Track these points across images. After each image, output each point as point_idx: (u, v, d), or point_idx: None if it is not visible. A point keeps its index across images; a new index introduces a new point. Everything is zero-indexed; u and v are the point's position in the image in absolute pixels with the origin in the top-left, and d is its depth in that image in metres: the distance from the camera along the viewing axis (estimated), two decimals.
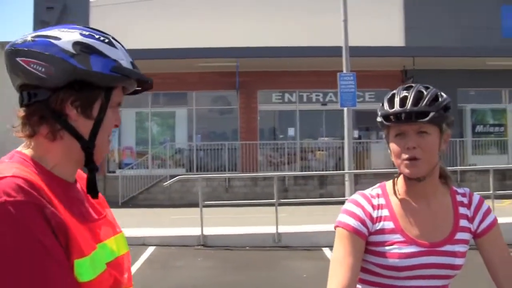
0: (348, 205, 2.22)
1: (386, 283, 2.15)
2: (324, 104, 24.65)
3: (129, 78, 1.63)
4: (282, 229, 11.75)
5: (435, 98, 2.10)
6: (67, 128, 1.56)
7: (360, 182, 21.07)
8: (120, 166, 24.10)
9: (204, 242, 11.78)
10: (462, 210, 2.23)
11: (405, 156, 2.11)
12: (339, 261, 2.10)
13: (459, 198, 2.26)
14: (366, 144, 24.08)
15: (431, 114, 2.06)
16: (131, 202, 21.97)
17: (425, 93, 2.11)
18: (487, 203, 2.29)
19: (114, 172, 23.71)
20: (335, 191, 21.26)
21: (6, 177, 1.41)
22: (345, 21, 13.23)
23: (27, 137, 1.57)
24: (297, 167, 23.54)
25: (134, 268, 9.83)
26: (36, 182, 1.44)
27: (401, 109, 2.09)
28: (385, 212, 2.19)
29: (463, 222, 2.21)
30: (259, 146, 23.92)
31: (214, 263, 10.31)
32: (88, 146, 1.60)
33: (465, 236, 2.19)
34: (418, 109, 2.07)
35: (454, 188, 2.29)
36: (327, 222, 12.92)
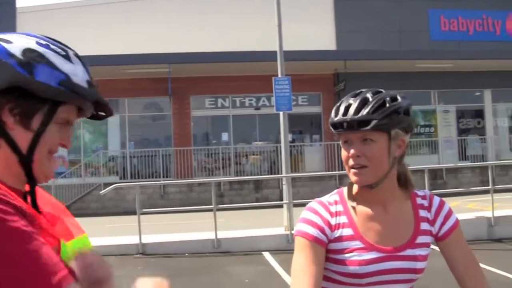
0: (305, 213, 2.19)
1: None
2: (257, 108, 24.76)
3: (79, 97, 1.55)
4: (221, 234, 11.73)
5: (381, 105, 2.08)
6: (4, 136, 1.49)
7: (295, 185, 21.27)
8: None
9: (143, 251, 11.65)
10: (422, 213, 2.22)
11: (351, 163, 2.12)
12: (301, 270, 2.07)
13: (419, 200, 2.25)
14: (300, 148, 24.33)
15: (373, 122, 2.05)
16: None
17: (370, 100, 2.10)
18: None
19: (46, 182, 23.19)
20: (270, 195, 21.39)
21: None
22: (279, 25, 13.27)
23: None
24: (231, 171, 23.56)
25: None
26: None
27: (343, 118, 2.10)
28: (343, 219, 2.17)
29: (424, 225, 2.20)
30: (193, 151, 23.84)
31: (155, 271, 10.19)
32: (25, 160, 1.52)
33: (426, 239, 2.19)
34: (359, 118, 2.06)
35: (415, 191, 2.28)
36: (266, 226, 13.01)
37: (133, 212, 12.19)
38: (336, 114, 2.13)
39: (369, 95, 2.12)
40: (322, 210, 2.18)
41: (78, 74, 1.56)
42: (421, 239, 2.17)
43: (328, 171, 22.85)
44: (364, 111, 2.07)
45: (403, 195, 2.24)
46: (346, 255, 2.11)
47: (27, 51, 1.50)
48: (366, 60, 22.52)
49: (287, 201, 12.46)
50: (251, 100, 24.61)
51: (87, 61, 1.65)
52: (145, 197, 21.60)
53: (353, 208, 2.19)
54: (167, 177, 23.20)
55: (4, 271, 1.28)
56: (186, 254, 11.39)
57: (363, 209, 2.18)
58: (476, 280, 2.17)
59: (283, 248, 11.10)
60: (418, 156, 24.34)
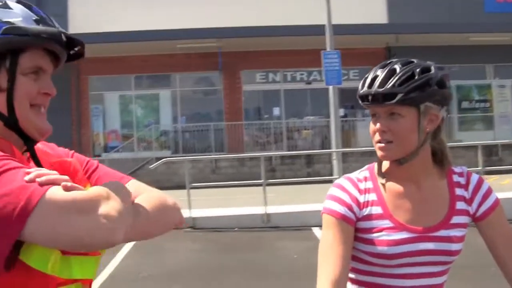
0: (333, 190, 2.10)
1: (377, 271, 2.05)
2: (308, 83, 24.56)
3: (29, 37, 1.47)
4: (271, 209, 11.70)
5: (409, 77, 1.96)
6: None
7: (347, 161, 21.08)
8: (106, 149, 23.96)
9: (193, 225, 11.72)
10: (458, 191, 2.10)
11: (377, 138, 2.02)
12: (328, 249, 1.99)
13: (455, 178, 2.13)
14: (352, 122, 24.04)
15: (399, 95, 1.93)
16: None
17: (398, 71, 1.98)
18: None
19: (99, 155, 23.53)
20: (322, 170, 21.24)
21: None
22: None
23: None
24: (283, 146, 23.48)
25: (122, 254, 9.76)
26: None
27: (368, 90, 2.00)
28: (372, 197, 2.07)
29: (460, 205, 2.08)
30: (244, 126, 23.82)
31: (204, 245, 10.26)
32: (8, 120, 1.49)
33: (463, 219, 2.07)
34: (384, 91, 1.95)
35: (452, 167, 2.16)
36: (316, 201, 12.95)
37: (184, 186, 12.27)
38: (363, 86, 2.03)
39: (397, 66, 2.00)
40: (350, 187, 2.10)
41: (19, 16, 1.49)
42: (456, 219, 2.06)
43: None
44: (390, 84, 1.96)
45: (438, 172, 2.12)
46: (375, 234, 2.02)
47: None
48: (418, 34, 21.99)
49: (337, 176, 12.35)
50: (302, 74, 24.40)
51: (30, 4, 1.56)
52: (196, 171, 21.74)
53: (383, 185, 2.09)
54: (219, 151, 23.26)
55: None
56: (236, 229, 11.40)
57: (393, 186, 2.08)
58: None
59: None
60: (473, 132, 23.84)
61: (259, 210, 11.77)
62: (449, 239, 2.01)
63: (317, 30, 16.66)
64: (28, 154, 1.58)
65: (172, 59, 23.59)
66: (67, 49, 1.61)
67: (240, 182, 15.84)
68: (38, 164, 1.55)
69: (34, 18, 1.51)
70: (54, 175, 1.34)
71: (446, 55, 23.06)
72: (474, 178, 2.14)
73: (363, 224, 2.04)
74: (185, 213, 11.88)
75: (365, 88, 2.01)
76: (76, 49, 1.63)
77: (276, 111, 24.69)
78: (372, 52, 23.35)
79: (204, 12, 22.99)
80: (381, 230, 2.01)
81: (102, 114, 24.36)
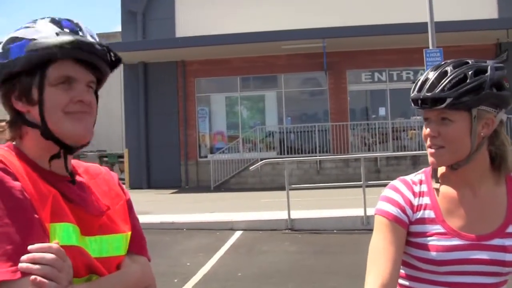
0: (387, 192, 2.05)
1: (426, 277, 1.98)
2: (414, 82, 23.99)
3: (51, 49, 1.55)
4: (371, 211, 11.50)
5: (460, 80, 1.88)
6: (22, 121, 1.62)
7: None
8: (212, 151, 24.33)
9: (292, 226, 11.73)
10: None
11: (428, 143, 1.97)
12: (379, 251, 1.94)
13: None
14: None
15: (448, 100, 1.86)
16: (223, 187, 22.15)
17: (449, 73, 1.90)
18: None
19: (206, 157, 23.97)
20: None
21: None
22: None
23: (12, 140, 1.65)
24: (389, 147, 23.06)
25: (220, 253, 9.92)
26: (4, 156, 1.53)
27: (417, 94, 1.94)
28: (426, 200, 2.00)
29: None
30: (350, 126, 23.56)
31: (301, 247, 10.22)
32: (43, 129, 1.59)
33: None
34: (433, 95, 1.89)
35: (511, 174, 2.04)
36: None
37: (292, 188, 12.29)
38: (414, 89, 1.97)
39: (449, 68, 1.93)
40: (404, 189, 2.04)
41: (41, 31, 1.58)
42: None
43: None
44: (439, 88, 1.89)
45: (496, 178, 2.01)
46: (425, 239, 1.95)
47: (6, 42, 1.60)
48: None
49: None
50: (408, 73, 23.82)
51: (59, 19, 1.65)
52: (301, 172, 21.76)
53: (437, 189, 2.01)
54: (324, 152, 23.12)
55: None
56: (334, 231, 11.30)
57: (448, 191, 2.00)
58: None
59: None
60: None
61: (359, 212, 11.61)
62: (503, 249, 1.91)
63: (421, 27, 16.25)
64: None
65: (277, 60, 23.69)
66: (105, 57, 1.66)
67: (340, 184, 15.70)
68: (67, 169, 1.65)
69: (56, 32, 1.58)
70: (46, 263, 1.39)
71: None
72: None
73: (415, 228, 1.98)
74: (284, 214, 11.91)
75: (415, 92, 1.96)
76: (113, 57, 1.67)
77: (382, 111, 24.27)
78: (481, 48, 22.52)
79: (307, 12, 22.98)
80: (432, 235, 1.95)
81: (208, 115, 24.77)
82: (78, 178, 1.69)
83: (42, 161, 1.61)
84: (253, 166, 13.49)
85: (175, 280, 8.12)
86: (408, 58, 21.94)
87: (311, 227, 11.56)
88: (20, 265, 1.37)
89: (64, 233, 1.51)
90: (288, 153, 22.93)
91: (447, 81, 1.88)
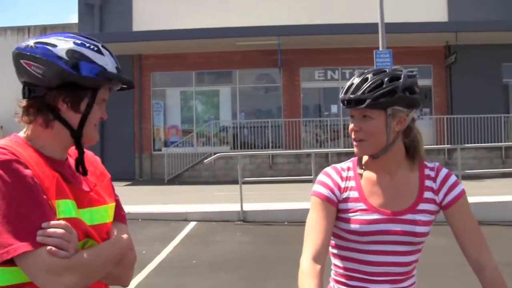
0: (320, 176, 2.48)
1: (352, 246, 2.39)
2: None
3: (112, 82, 2.00)
4: None
5: (378, 85, 2.30)
6: (59, 119, 1.97)
7: None
8: (166, 144, 24.53)
9: (244, 218, 12.10)
10: (428, 182, 2.42)
11: (353, 136, 2.39)
12: (312, 225, 2.35)
13: (427, 171, 2.45)
14: None
15: (367, 101, 2.29)
16: (177, 180, 22.40)
17: (369, 79, 2.33)
18: None
19: (160, 150, 24.18)
20: None
21: None
22: None
23: (26, 123, 1.97)
24: (341, 143, 23.57)
25: (175, 242, 10.23)
26: (14, 149, 1.87)
27: (344, 96, 2.37)
28: (351, 183, 2.43)
29: (427, 194, 2.40)
30: (302, 123, 24.02)
31: (252, 237, 10.60)
32: (77, 134, 2.00)
33: (429, 207, 2.39)
34: (355, 97, 2.32)
35: (425, 162, 2.47)
36: None
37: (245, 182, 12.62)
38: (342, 91, 2.40)
39: (369, 76, 2.36)
40: (334, 174, 2.47)
41: (108, 64, 2.00)
42: (423, 206, 2.38)
43: (438, 144, 22.50)
44: (360, 91, 2.32)
45: (411, 165, 2.46)
46: (350, 214, 2.37)
47: (69, 52, 1.93)
48: (479, 32, 21.64)
49: None
50: None
51: (111, 52, 2.07)
52: (254, 166, 22.13)
53: (361, 174, 2.45)
54: (277, 148, 23.54)
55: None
56: (285, 223, 11.69)
57: (370, 176, 2.44)
58: (477, 247, 2.36)
59: None
60: None
61: (309, 205, 11.99)
62: (414, 222, 2.34)
63: (373, 28, 16.75)
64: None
65: (232, 55, 24.00)
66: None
67: (291, 178, 16.13)
68: (83, 164, 2.08)
69: (116, 66, 2.03)
70: (57, 236, 1.79)
71: (507, 53, 22.80)
72: (443, 172, 2.47)
73: (343, 206, 2.40)
74: (236, 207, 12.28)
75: (343, 94, 2.39)
76: (125, 86, 2.11)
77: (334, 108, 24.74)
78: (431, 50, 23.27)
79: (263, 9, 23.34)
80: (356, 211, 2.37)
81: (163, 109, 24.95)
82: (70, 160, 2.07)
83: (47, 149, 1.98)
84: (208, 159, 13.82)
85: None
86: (360, 58, 22.48)
87: (263, 219, 11.95)
88: (37, 238, 1.75)
89: (66, 208, 1.88)
90: (241, 148, 23.27)
91: (367, 85, 2.31)
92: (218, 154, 14.43)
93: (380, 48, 13.54)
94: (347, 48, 23.04)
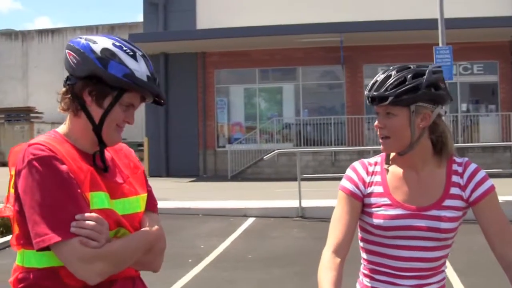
0: (347, 171, 2.53)
1: (378, 241, 2.43)
2: None
3: (138, 87, 2.09)
4: None
5: (401, 82, 2.32)
6: (83, 109, 2.11)
7: (468, 156, 20.69)
8: (230, 141, 24.77)
9: (302, 214, 12.19)
10: (455, 178, 2.42)
11: (378, 133, 2.43)
12: (337, 219, 2.43)
13: (454, 167, 2.44)
14: (474, 117, 23.45)
15: (390, 98, 2.30)
16: (240, 176, 22.64)
17: (392, 77, 2.35)
18: None
19: (223, 147, 24.44)
20: None
21: (33, 144, 2.03)
22: None
23: (62, 111, 2.16)
24: None
25: (232, 237, 10.41)
26: (52, 146, 2.03)
27: (368, 93, 2.39)
28: (377, 178, 2.46)
29: (454, 190, 2.40)
30: (365, 120, 23.87)
31: (309, 233, 10.68)
32: (96, 128, 2.12)
33: (455, 203, 2.38)
34: (379, 94, 2.33)
35: (454, 158, 2.48)
36: None
37: (305, 178, 12.66)
38: (367, 89, 2.43)
39: (393, 72, 2.38)
40: (360, 168, 2.52)
41: (139, 70, 2.10)
42: (449, 202, 2.38)
43: (504, 141, 21.98)
44: (383, 88, 2.34)
45: (438, 161, 2.46)
46: (375, 209, 2.41)
47: (104, 50, 2.08)
48: None
49: None
50: None
51: (150, 62, 2.18)
52: (316, 163, 22.12)
53: (387, 169, 2.48)
54: (339, 144, 23.46)
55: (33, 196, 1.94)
56: None
57: (396, 171, 2.47)
58: (505, 245, 2.34)
59: None
60: None
61: None
62: (439, 218, 2.35)
63: (431, 24, 16.43)
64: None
65: (295, 53, 24.01)
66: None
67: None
68: (104, 161, 2.19)
69: (147, 74, 2.11)
70: (89, 228, 1.95)
71: None
72: (471, 167, 2.45)
73: (368, 200, 2.44)
74: (295, 203, 12.37)
75: (367, 91, 2.42)
76: (159, 99, 2.23)
77: None
78: (496, 46, 22.73)
79: (326, 6, 23.26)
80: (380, 206, 2.40)
81: (227, 106, 25.20)
82: (105, 153, 2.21)
83: (80, 143, 2.14)
84: (268, 156, 13.99)
85: (190, 260, 8.66)
86: (424, 54, 22.19)
87: (321, 215, 11.93)
88: (71, 229, 1.93)
89: (99, 199, 2.05)
90: (304, 145, 23.32)
91: (390, 82, 2.33)
92: (277, 151, 14.58)
93: (440, 44, 13.34)
94: (410, 44, 22.68)
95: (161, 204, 10.02)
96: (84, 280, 1.97)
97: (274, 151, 20.96)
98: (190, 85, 24.50)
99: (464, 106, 23.38)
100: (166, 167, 24.38)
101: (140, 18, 42.56)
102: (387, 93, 2.32)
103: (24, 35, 42.38)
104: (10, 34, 42.75)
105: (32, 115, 36.57)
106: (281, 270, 8.15)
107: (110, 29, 36.96)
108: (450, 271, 7.86)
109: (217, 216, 12.49)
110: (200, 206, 13.27)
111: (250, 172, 22.97)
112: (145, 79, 2.10)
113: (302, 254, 9.01)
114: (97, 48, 2.08)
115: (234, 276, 8.04)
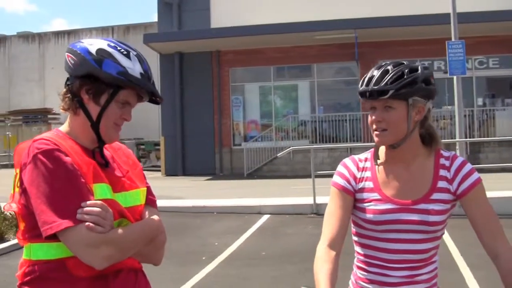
0: (339, 167, 2.61)
1: (370, 234, 2.50)
2: (446, 72, 24.03)
3: (132, 83, 2.19)
4: None
5: (399, 76, 2.38)
6: (81, 107, 2.22)
7: (483, 151, 20.67)
8: (245, 139, 24.82)
9: (317, 211, 12.22)
10: (442, 172, 2.48)
11: (374, 127, 2.46)
12: (330, 213, 2.51)
13: (442, 161, 2.51)
14: (490, 112, 23.30)
15: (390, 92, 2.35)
16: (256, 174, 22.69)
17: (390, 71, 2.40)
18: None
19: (239, 145, 24.49)
20: None
21: (38, 139, 2.14)
22: None
23: (63, 110, 2.27)
24: None
25: (247, 234, 10.48)
26: (56, 140, 2.14)
27: (366, 88, 2.43)
28: (367, 174, 2.53)
29: (441, 184, 2.46)
30: None
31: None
32: (94, 125, 2.23)
33: (443, 196, 2.44)
34: (378, 88, 2.38)
35: (442, 152, 2.54)
36: None
37: (319, 175, 12.70)
38: (362, 84, 2.47)
39: (389, 68, 2.43)
40: (351, 164, 2.59)
41: (132, 68, 2.21)
42: (436, 195, 2.44)
43: None
44: (383, 82, 2.39)
45: (427, 153, 2.53)
46: (365, 204, 2.48)
47: (99, 50, 2.20)
48: None
49: None
50: (439, 63, 23.90)
51: (144, 60, 2.29)
52: (332, 160, 22.08)
53: (377, 165, 2.54)
54: (356, 141, 23.44)
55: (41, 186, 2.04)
56: None
57: (386, 166, 2.53)
58: (492, 236, 2.40)
59: None
60: None
61: None
62: (427, 212, 2.41)
63: (445, 18, 16.37)
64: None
65: (310, 50, 24.02)
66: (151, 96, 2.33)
67: None
68: (103, 157, 2.30)
69: (140, 72, 2.22)
70: (94, 214, 2.05)
71: None
72: (458, 160, 2.51)
73: (359, 196, 2.51)
74: (310, 200, 12.42)
75: (364, 86, 2.45)
76: (156, 98, 2.34)
77: None
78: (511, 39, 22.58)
79: (340, 3, 23.25)
80: (370, 201, 2.48)
81: (242, 104, 25.25)
82: (105, 152, 2.33)
83: (81, 139, 2.24)
84: (282, 153, 14.05)
85: (203, 258, 8.73)
86: (437, 48, 22.10)
87: None
88: (77, 216, 2.03)
89: (102, 190, 2.15)
90: (320, 142, 23.29)
91: (389, 77, 2.38)
92: (291, 148, 14.62)
93: (453, 39, 13.28)
94: (425, 39, 22.58)
95: (176, 203, 10.38)
96: (91, 265, 2.05)
97: (289, 148, 21.13)
98: (205, 84, 24.59)
99: (480, 101, 23.27)
100: (183, 166, 24.49)
101: (154, 18, 42.60)
102: (387, 87, 2.37)
103: (40, 37, 42.61)
104: (27, 37, 43.02)
105: (49, 116, 36.77)
106: (295, 266, 8.21)
107: (125, 30, 37.10)
108: (462, 265, 7.89)
109: (232, 214, 12.58)
110: (215, 204, 13.36)
111: (266, 169, 23.02)
112: (138, 76, 2.20)
113: (315, 251, 9.03)
114: (93, 49, 2.19)
115: (247, 273, 8.10)
